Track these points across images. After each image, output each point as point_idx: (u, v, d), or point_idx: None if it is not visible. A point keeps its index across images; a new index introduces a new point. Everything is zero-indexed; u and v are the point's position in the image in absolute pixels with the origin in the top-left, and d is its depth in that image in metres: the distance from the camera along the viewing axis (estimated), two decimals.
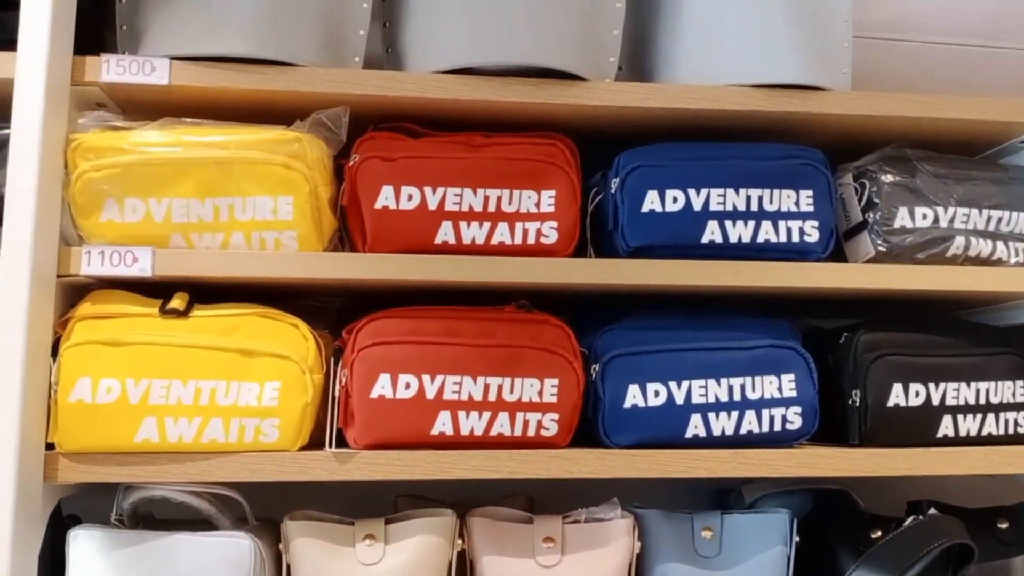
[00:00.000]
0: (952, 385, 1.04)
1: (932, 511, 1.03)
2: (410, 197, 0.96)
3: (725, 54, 1.04)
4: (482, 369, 0.94)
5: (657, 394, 0.98)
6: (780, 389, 1.00)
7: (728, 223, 1.00)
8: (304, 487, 0.96)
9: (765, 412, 0.99)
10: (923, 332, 1.06)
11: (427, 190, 0.96)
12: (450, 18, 1.00)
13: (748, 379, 0.99)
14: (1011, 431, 1.05)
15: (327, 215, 0.97)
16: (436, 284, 0.97)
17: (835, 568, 1.04)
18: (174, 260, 0.92)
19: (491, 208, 0.97)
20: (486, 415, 0.94)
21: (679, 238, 1.00)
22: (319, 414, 0.95)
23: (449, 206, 0.97)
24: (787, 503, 1.06)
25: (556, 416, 0.96)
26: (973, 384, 1.04)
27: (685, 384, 0.98)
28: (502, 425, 0.94)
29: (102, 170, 0.91)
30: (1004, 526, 1.07)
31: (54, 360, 0.90)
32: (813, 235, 1.02)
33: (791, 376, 1.00)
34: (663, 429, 0.98)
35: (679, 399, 0.98)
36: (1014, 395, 1.06)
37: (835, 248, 1.05)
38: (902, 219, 1.04)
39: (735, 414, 0.98)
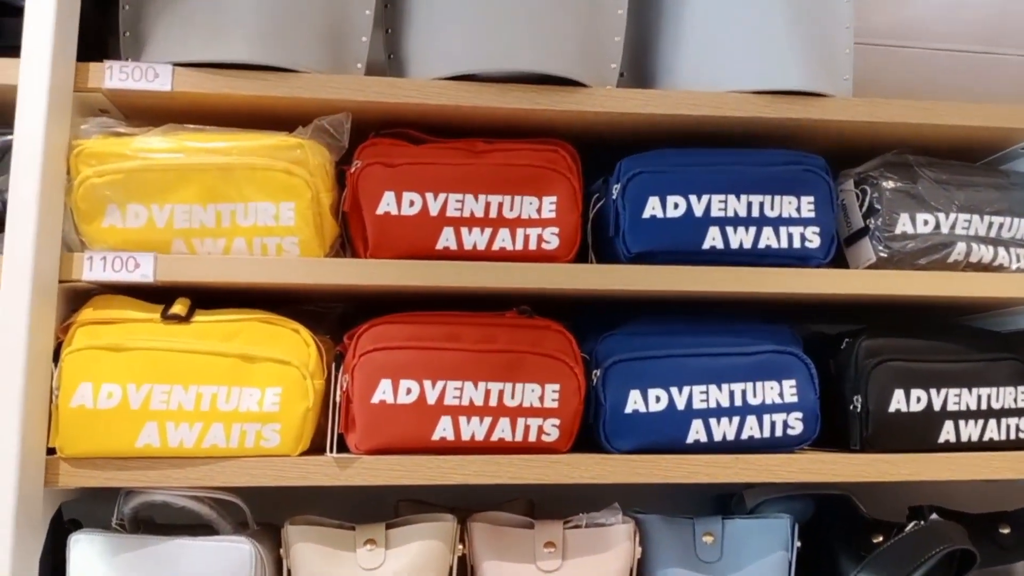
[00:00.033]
0: (953, 391, 1.04)
1: (934, 516, 1.03)
2: (412, 203, 0.96)
3: (726, 60, 1.04)
4: (483, 374, 0.94)
5: (658, 399, 0.98)
6: (781, 395, 1.00)
7: (729, 229, 1.00)
8: (305, 492, 0.96)
9: (766, 417, 0.99)
10: (924, 338, 1.06)
11: (429, 196, 0.97)
12: (452, 25, 1.01)
13: (749, 384, 0.99)
14: (1012, 436, 1.05)
15: (329, 221, 0.97)
16: (437, 290, 0.97)
17: (837, 573, 1.04)
18: (176, 266, 0.92)
19: (492, 214, 0.98)
20: (487, 420, 0.94)
21: (680, 244, 1.00)
22: (320, 419, 0.95)
23: (451, 212, 0.97)
24: (789, 508, 1.06)
25: (557, 421, 0.96)
26: (974, 390, 1.04)
27: (686, 389, 0.98)
28: (503, 430, 0.95)
29: (104, 176, 0.91)
30: (1006, 531, 1.07)
31: (55, 365, 0.90)
32: (814, 241, 1.02)
33: (792, 382, 1.00)
34: (664, 434, 0.98)
35: (680, 404, 0.98)
36: (1015, 400, 1.06)
37: (836, 254, 1.05)
38: (903, 225, 1.05)
39: (736, 419, 0.99)
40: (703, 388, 0.98)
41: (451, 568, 0.94)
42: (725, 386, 0.99)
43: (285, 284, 0.94)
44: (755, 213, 1.01)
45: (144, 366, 0.89)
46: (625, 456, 0.97)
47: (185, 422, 0.89)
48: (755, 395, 0.99)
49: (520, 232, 0.98)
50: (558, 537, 0.97)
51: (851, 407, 1.04)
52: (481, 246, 0.97)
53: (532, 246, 0.98)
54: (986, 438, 1.04)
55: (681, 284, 0.99)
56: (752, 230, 1.01)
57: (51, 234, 0.90)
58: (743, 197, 1.01)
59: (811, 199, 1.02)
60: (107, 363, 0.89)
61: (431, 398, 0.93)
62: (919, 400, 1.03)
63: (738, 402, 0.99)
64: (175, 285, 0.94)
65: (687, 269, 0.99)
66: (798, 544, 1.01)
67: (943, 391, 1.03)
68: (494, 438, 0.94)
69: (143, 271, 0.92)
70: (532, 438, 0.95)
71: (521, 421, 0.95)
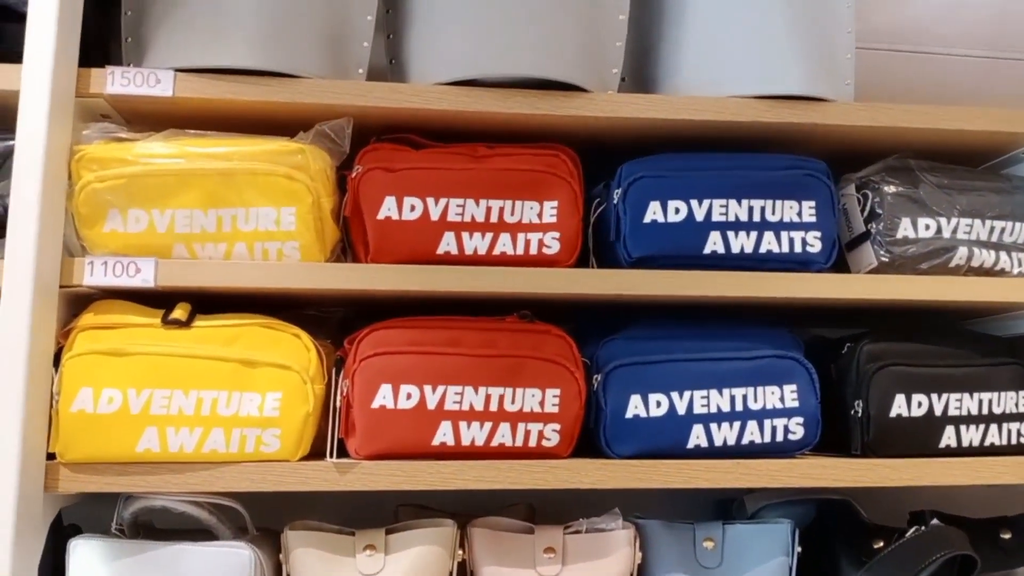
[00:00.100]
0: (955, 395, 1.04)
1: (935, 521, 1.02)
2: (412, 208, 0.96)
3: (728, 65, 1.04)
4: (484, 379, 0.94)
5: (659, 404, 0.98)
6: (782, 399, 1.00)
7: (730, 233, 1.00)
8: (305, 497, 0.96)
9: (767, 422, 0.99)
10: (926, 342, 1.06)
11: (429, 201, 0.97)
12: (453, 30, 1.01)
13: (750, 389, 0.99)
14: (1014, 441, 1.05)
15: (330, 226, 0.97)
16: (438, 294, 0.97)
17: None
18: (177, 270, 0.93)
19: (493, 219, 0.98)
20: (487, 425, 0.94)
21: (681, 248, 1.00)
22: (320, 424, 0.95)
23: (451, 216, 0.97)
24: (789, 513, 1.05)
25: (557, 426, 0.96)
26: (976, 394, 1.04)
27: (687, 394, 0.98)
28: (503, 435, 0.94)
29: (106, 181, 0.91)
30: (1007, 536, 1.07)
31: (56, 370, 0.90)
32: (815, 246, 1.02)
33: (793, 386, 1.00)
34: (665, 439, 0.98)
35: (681, 409, 0.98)
36: (1017, 405, 1.06)
37: (838, 258, 1.05)
38: (905, 230, 1.04)
39: (737, 424, 0.98)
40: (704, 393, 0.98)
41: (451, 573, 0.94)
42: (726, 391, 0.99)
43: (286, 289, 0.94)
44: (756, 218, 1.01)
45: (145, 371, 0.89)
46: (626, 461, 0.96)
47: (185, 427, 0.89)
48: (756, 400, 0.99)
49: (521, 237, 0.98)
50: (558, 542, 0.97)
51: (852, 412, 1.04)
52: (482, 251, 0.97)
53: (533, 251, 0.98)
54: (987, 443, 1.04)
55: (682, 289, 0.99)
56: (753, 234, 1.01)
57: (52, 239, 0.90)
58: (744, 202, 1.01)
59: (812, 203, 1.02)
60: (108, 368, 0.89)
61: (431, 403, 0.93)
62: (920, 405, 1.03)
63: (739, 407, 0.99)
64: (176, 290, 0.94)
65: (688, 274, 0.99)
66: (799, 549, 1.01)
67: (944, 396, 1.03)
68: (494, 443, 0.94)
69: (144, 276, 0.92)
70: (532, 443, 0.95)
71: (521, 426, 0.95)
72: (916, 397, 1.03)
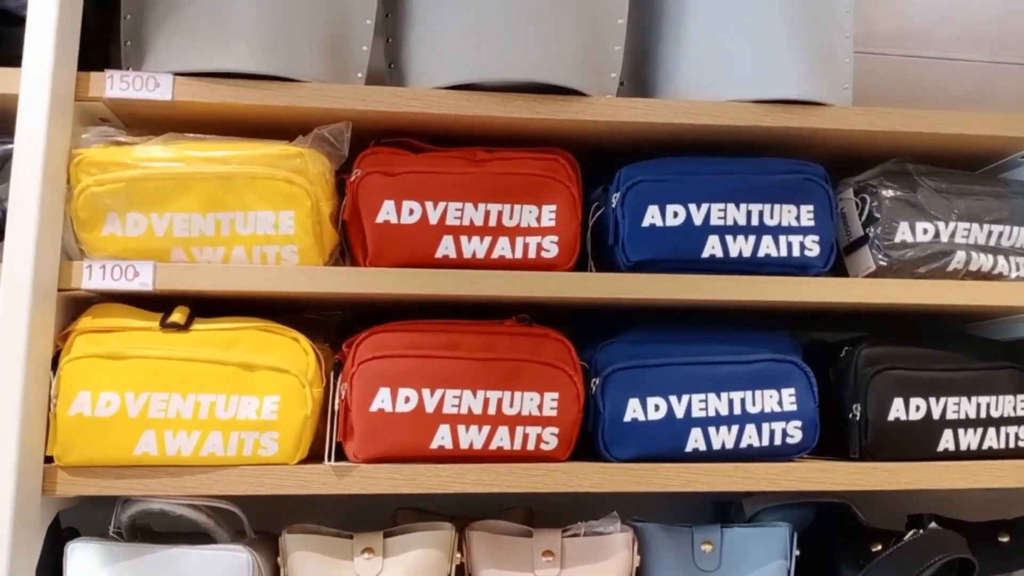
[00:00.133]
0: (953, 399, 1.04)
1: (933, 525, 1.03)
2: (411, 212, 0.97)
3: (726, 69, 1.05)
4: (482, 383, 0.94)
5: (657, 408, 0.98)
6: (780, 403, 1.00)
7: (729, 238, 1.00)
8: (303, 500, 0.96)
9: (765, 426, 0.99)
10: (924, 346, 1.06)
11: (428, 205, 0.97)
12: (452, 34, 1.01)
13: (748, 393, 0.99)
14: (1012, 445, 1.05)
15: (328, 229, 0.97)
16: (437, 298, 0.97)
17: None
18: (175, 274, 0.93)
19: (492, 222, 0.98)
20: (486, 429, 0.94)
21: (680, 252, 1.00)
22: (318, 427, 0.95)
23: (450, 220, 0.97)
24: (788, 516, 1.06)
25: (556, 430, 0.96)
26: (974, 398, 1.04)
27: (685, 398, 0.98)
28: (502, 439, 0.94)
29: (105, 185, 0.91)
30: (1005, 540, 1.07)
31: (54, 373, 0.90)
32: (814, 250, 1.02)
33: (791, 390, 1.00)
34: (663, 443, 0.98)
35: (679, 413, 0.98)
36: (1015, 409, 1.06)
37: (836, 262, 1.05)
38: (903, 234, 1.05)
39: (735, 428, 0.98)
40: (702, 397, 0.98)
41: None
42: (724, 395, 0.99)
43: (284, 292, 0.94)
44: (754, 222, 1.01)
45: (143, 374, 0.89)
46: (624, 465, 0.96)
47: (183, 430, 0.89)
48: (754, 403, 0.99)
49: (519, 240, 0.98)
50: (556, 546, 0.97)
51: (850, 415, 1.04)
52: (480, 254, 0.98)
53: (531, 254, 0.98)
54: (985, 447, 1.04)
55: (680, 292, 0.99)
56: (751, 239, 1.01)
57: (51, 242, 0.90)
58: (743, 206, 1.01)
59: (811, 208, 1.02)
60: (106, 371, 0.89)
61: (430, 406, 0.93)
62: (918, 409, 1.03)
63: (737, 411, 0.99)
64: (174, 293, 0.94)
65: (686, 278, 0.99)
66: (797, 553, 1.01)
67: (942, 400, 1.03)
68: (493, 447, 0.94)
69: (142, 279, 0.92)
70: (531, 446, 0.95)
71: (520, 429, 0.95)
72: (914, 401, 1.03)
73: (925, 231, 1.05)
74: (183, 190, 0.92)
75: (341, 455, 0.95)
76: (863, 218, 1.06)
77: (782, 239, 1.02)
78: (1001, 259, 1.08)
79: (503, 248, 0.98)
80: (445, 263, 0.97)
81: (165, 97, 0.94)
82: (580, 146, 1.06)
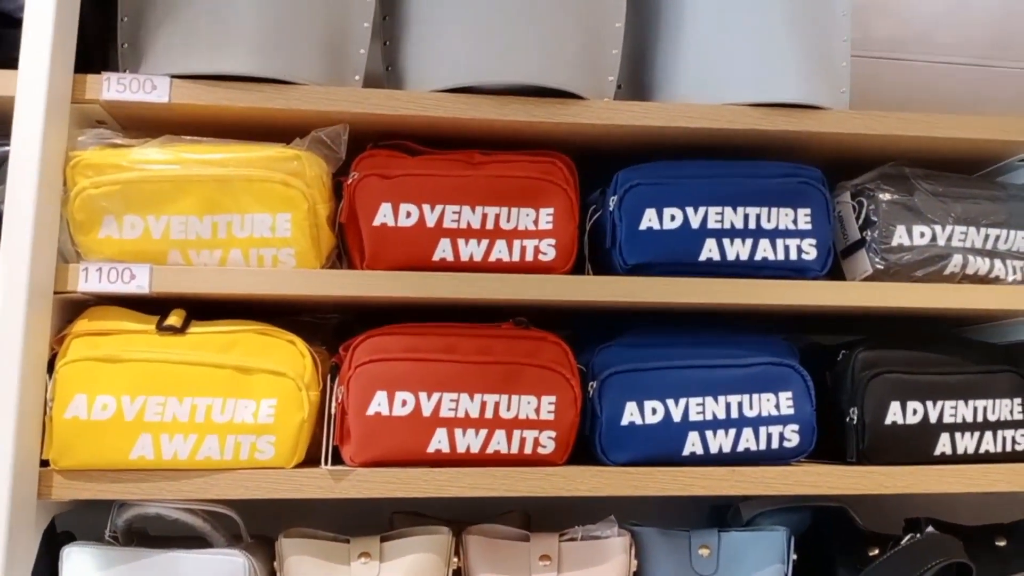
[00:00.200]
0: (950, 403, 1.04)
1: (930, 529, 1.03)
2: (408, 214, 0.96)
3: (724, 73, 1.05)
4: (479, 386, 0.94)
5: (654, 411, 0.98)
6: (778, 406, 1.00)
7: (726, 241, 1.00)
8: (299, 504, 0.95)
9: (763, 430, 0.99)
10: (921, 350, 1.06)
11: (425, 207, 0.97)
12: (450, 37, 1.01)
13: (746, 396, 0.99)
14: (1009, 449, 1.05)
15: (325, 232, 0.97)
16: (434, 301, 0.97)
17: None
18: (172, 277, 0.92)
19: (489, 225, 0.98)
20: (483, 432, 0.94)
21: (677, 256, 1.00)
22: (315, 431, 0.94)
23: (447, 223, 0.97)
24: (785, 520, 1.05)
25: (553, 433, 0.95)
26: (971, 402, 1.04)
27: (682, 401, 0.98)
28: (499, 443, 0.94)
29: (101, 187, 0.91)
30: (1002, 544, 1.07)
31: (50, 376, 0.90)
32: (811, 253, 1.02)
33: (789, 394, 1.00)
34: (660, 446, 0.97)
35: (676, 416, 0.98)
36: (1012, 413, 1.06)
37: (833, 266, 1.05)
38: (900, 237, 1.05)
39: (732, 431, 0.98)
40: (699, 400, 0.98)
41: None
42: (721, 398, 0.99)
43: (281, 295, 0.94)
44: (752, 225, 1.01)
45: (139, 378, 0.89)
46: (621, 468, 0.96)
47: (180, 434, 0.89)
48: (751, 407, 0.99)
49: (517, 244, 0.98)
50: (553, 550, 0.97)
51: (847, 419, 1.04)
52: (478, 258, 0.97)
53: (529, 258, 0.98)
54: (982, 450, 1.04)
55: (677, 296, 0.99)
56: (749, 242, 1.01)
57: (47, 245, 0.90)
58: (740, 209, 1.01)
59: (808, 211, 1.02)
60: (102, 374, 0.89)
61: (427, 410, 0.93)
62: (915, 412, 1.03)
63: (734, 414, 0.99)
64: (171, 296, 0.94)
65: (684, 281, 0.99)
66: (794, 557, 1.00)
67: (939, 403, 1.03)
68: (490, 450, 0.94)
69: (139, 282, 0.92)
70: (528, 450, 0.95)
71: (517, 433, 0.95)
72: (911, 404, 1.03)
73: (922, 235, 1.05)
74: (180, 192, 0.92)
75: (338, 459, 0.94)
76: (860, 221, 1.06)
77: (779, 243, 1.02)
78: (998, 263, 1.08)
79: (500, 251, 0.98)
80: (442, 266, 0.97)
81: (162, 99, 0.94)
82: (577, 149, 1.06)
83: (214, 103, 0.95)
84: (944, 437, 1.03)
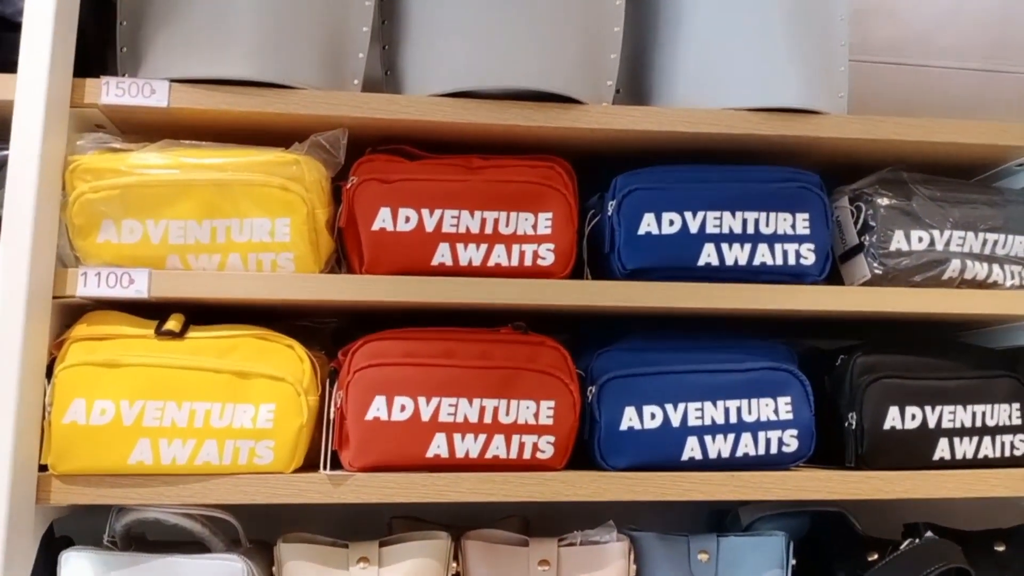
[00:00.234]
0: (948, 408, 1.04)
1: (929, 534, 1.02)
2: (407, 219, 0.96)
3: (722, 78, 1.05)
4: (478, 391, 0.94)
5: (653, 416, 0.98)
6: (776, 412, 1.00)
7: (724, 246, 1.01)
8: (298, 509, 0.95)
9: (761, 435, 0.99)
10: (919, 355, 1.06)
11: (424, 212, 0.97)
12: (449, 41, 1.01)
13: (744, 401, 0.99)
14: (1008, 454, 1.05)
15: (324, 237, 0.97)
16: (432, 306, 0.97)
17: None
18: (170, 281, 0.92)
19: (488, 230, 0.98)
20: (482, 437, 0.94)
21: (675, 260, 1.00)
22: (314, 436, 0.94)
23: (446, 228, 0.97)
24: (784, 525, 1.05)
25: (552, 438, 0.95)
26: (969, 407, 1.04)
27: (681, 406, 0.98)
28: (498, 447, 0.94)
29: (100, 192, 0.91)
30: (1001, 549, 1.07)
31: (48, 381, 0.90)
32: (809, 258, 1.02)
33: (787, 399, 1.00)
34: (659, 452, 0.97)
35: (675, 421, 0.98)
36: (1010, 418, 1.06)
37: (831, 271, 1.05)
38: (898, 242, 1.05)
39: (731, 437, 0.98)
40: (698, 405, 0.98)
41: None
42: (720, 403, 0.99)
43: (280, 300, 0.94)
44: (750, 230, 1.01)
45: (137, 382, 0.89)
46: (620, 473, 0.96)
47: (178, 439, 0.89)
48: (750, 412, 0.99)
49: (516, 248, 0.98)
50: (552, 555, 0.97)
51: (846, 424, 1.04)
52: (476, 262, 0.97)
53: (527, 262, 0.98)
54: (981, 455, 1.04)
55: (676, 300, 0.99)
56: (747, 247, 1.01)
57: (46, 249, 0.90)
58: (738, 214, 1.01)
59: (806, 216, 1.02)
60: (100, 379, 0.89)
61: (425, 415, 0.93)
62: (914, 417, 1.03)
63: (733, 419, 0.99)
64: (169, 301, 0.94)
65: (682, 285, 0.99)
66: (793, 562, 1.00)
67: (938, 408, 1.03)
68: (488, 455, 0.94)
69: (137, 287, 0.92)
70: (527, 455, 0.95)
71: (516, 438, 0.95)
72: (910, 409, 1.03)
73: (920, 239, 1.05)
74: (179, 197, 0.92)
75: (336, 464, 0.94)
76: (858, 226, 1.06)
77: (778, 247, 1.02)
78: (996, 267, 1.08)
79: (499, 256, 0.98)
80: (441, 270, 0.97)
81: (161, 104, 0.94)
82: (576, 154, 1.06)
83: (213, 107, 0.95)
84: (943, 442, 1.03)
